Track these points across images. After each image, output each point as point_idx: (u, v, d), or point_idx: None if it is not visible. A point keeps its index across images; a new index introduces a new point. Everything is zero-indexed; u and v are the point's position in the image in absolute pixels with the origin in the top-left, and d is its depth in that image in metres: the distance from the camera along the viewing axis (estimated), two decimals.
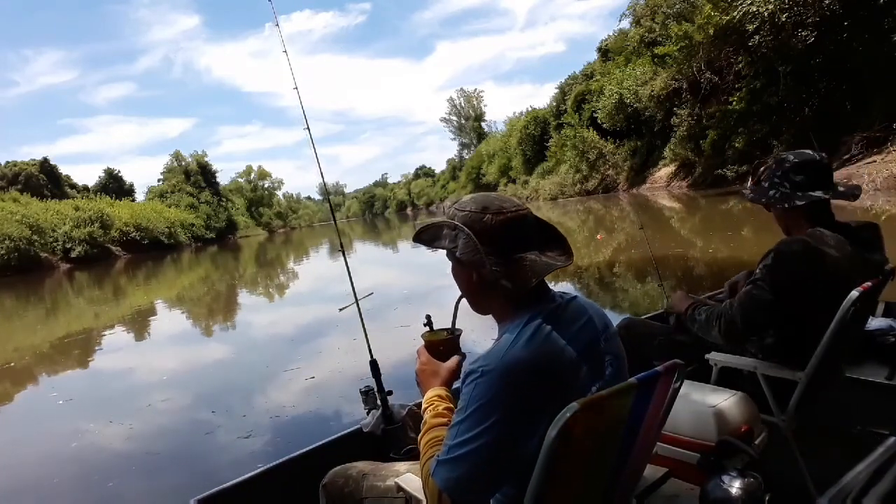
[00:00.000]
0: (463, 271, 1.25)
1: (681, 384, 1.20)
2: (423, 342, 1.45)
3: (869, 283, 1.72)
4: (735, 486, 1.34)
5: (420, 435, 1.26)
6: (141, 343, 8.84)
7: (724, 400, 1.69)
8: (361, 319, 1.80)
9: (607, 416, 1.08)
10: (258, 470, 1.89)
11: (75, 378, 6.90)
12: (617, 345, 1.24)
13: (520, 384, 1.06)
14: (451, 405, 1.28)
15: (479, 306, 1.28)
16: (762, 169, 2.04)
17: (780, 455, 1.79)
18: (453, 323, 1.50)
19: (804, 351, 1.81)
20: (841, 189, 1.92)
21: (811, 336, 1.79)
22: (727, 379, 1.96)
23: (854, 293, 1.66)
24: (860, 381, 2.26)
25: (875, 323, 2.53)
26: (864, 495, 0.67)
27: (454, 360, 1.39)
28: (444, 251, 1.25)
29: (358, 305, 1.79)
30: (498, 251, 1.16)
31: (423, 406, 1.31)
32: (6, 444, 4.68)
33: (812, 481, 1.70)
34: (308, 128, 2.13)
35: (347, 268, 1.90)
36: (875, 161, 14.40)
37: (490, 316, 1.28)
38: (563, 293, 1.26)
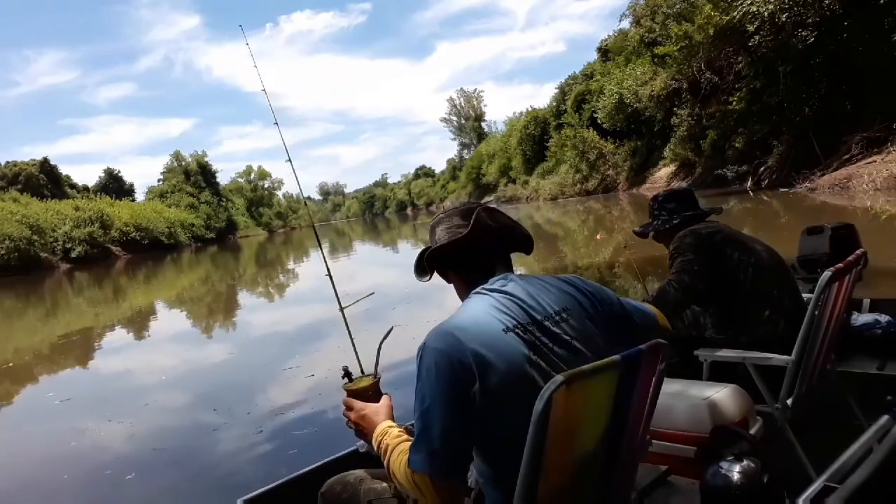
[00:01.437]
0: None
1: (665, 366, 1.23)
2: (345, 394, 1.47)
3: (840, 264, 1.82)
4: (734, 472, 1.34)
5: (386, 459, 1.29)
6: (141, 343, 8.84)
7: (717, 392, 1.71)
8: (349, 333, 1.79)
9: (593, 392, 1.12)
10: (257, 492, 1.93)
11: (74, 378, 6.90)
12: (580, 325, 1.28)
13: (446, 347, 1.17)
14: (403, 430, 1.35)
15: (458, 293, 1.45)
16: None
17: (775, 444, 1.81)
18: (376, 366, 1.52)
19: (745, 320, 2.11)
20: (705, 209, 2.43)
21: (745, 302, 2.12)
22: (718, 375, 1.98)
23: (827, 273, 1.76)
24: (851, 374, 2.32)
25: (862, 318, 2.64)
26: (860, 468, 0.69)
27: (387, 397, 1.46)
28: None
29: (344, 317, 1.78)
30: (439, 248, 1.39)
31: (378, 439, 1.34)
32: (7, 443, 4.68)
33: (808, 463, 1.76)
34: (287, 149, 2.11)
35: (331, 278, 1.90)
36: (875, 161, 14.39)
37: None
38: (523, 274, 1.36)
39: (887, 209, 10.64)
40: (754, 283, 2.12)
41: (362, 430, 1.41)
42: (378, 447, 1.33)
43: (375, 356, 1.52)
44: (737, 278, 2.13)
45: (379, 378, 1.50)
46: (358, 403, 1.44)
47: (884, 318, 2.61)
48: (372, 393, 1.46)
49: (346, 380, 1.51)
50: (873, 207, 11.11)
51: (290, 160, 2.06)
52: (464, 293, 1.36)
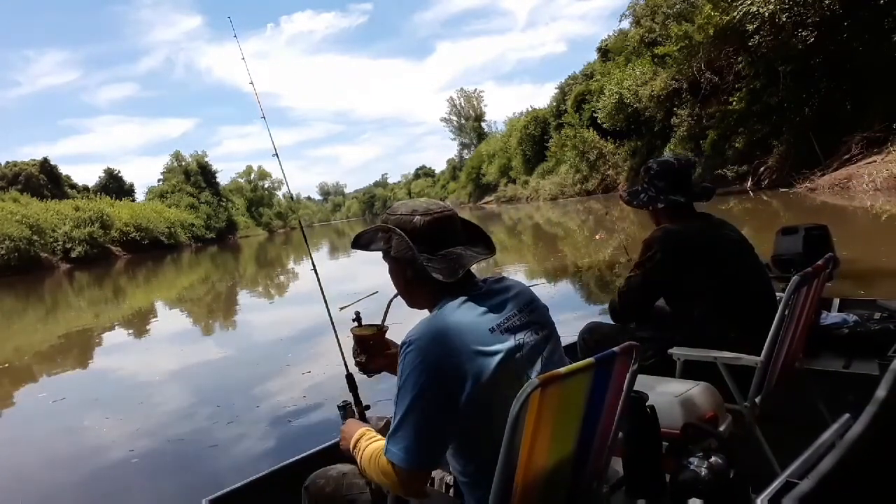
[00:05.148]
0: (398, 269, 1.39)
1: (637, 367, 1.30)
2: (353, 337, 1.60)
3: (809, 269, 1.88)
4: (702, 467, 1.41)
5: (359, 456, 1.35)
6: (140, 342, 8.83)
7: (689, 389, 1.78)
8: (336, 334, 1.82)
9: (567, 393, 1.16)
10: (237, 485, 1.98)
11: (74, 377, 6.88)
12: (543, 314, 1.37)
13: (439, 346, 1.19)
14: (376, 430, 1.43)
15: (414, 301, 1.42)
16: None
17: (744, 440, 1.89)
18: (384, 319, 1.63)
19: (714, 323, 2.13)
20: (696, 191, 2.34)
21: (718, 308, 2.14)
22: (691, 373, 2.04)
23: (795, 278, 1.82)
24: (819, 372, 2.40)
25: (831, 317, 2.74)
26: (819, 465, 0.72)
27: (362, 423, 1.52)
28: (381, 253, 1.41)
29: (332, 319, 1.83)
30: (428, 248, 1.32)
31: (354, 440, 1.40)
32: (10, 442, 4.67)
33: (775, 460, 1.83)
34: (277, 154, 2.12)
35: (319, 283, 1.91)
36: (875, 161, 14.39)
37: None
38: (489, 277, 1.39)
39: (887, 209, 10.64)
40: (726, 286, 2.16)
41: (346, 443, 1.46)
42: (353, 448, 1.39)
43: (384, 310, 1.62)
44: (707, 282, 2.17)
45: (385, 330, 1.60)
46: (346, 426, 1.50)
47: (851, 318, 2.71)
48: (374, 343, 1.57)
49: (355, 323, 1.62)
50: (873, 207, 11.11)
51: (276, 154, 2.07)
52: (437, 299, 1.32)
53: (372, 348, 1.55)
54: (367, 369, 1.61)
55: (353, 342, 1.62)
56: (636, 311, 2.33)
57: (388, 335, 1.66)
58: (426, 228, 1.33)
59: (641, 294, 2.27)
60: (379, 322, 1.63)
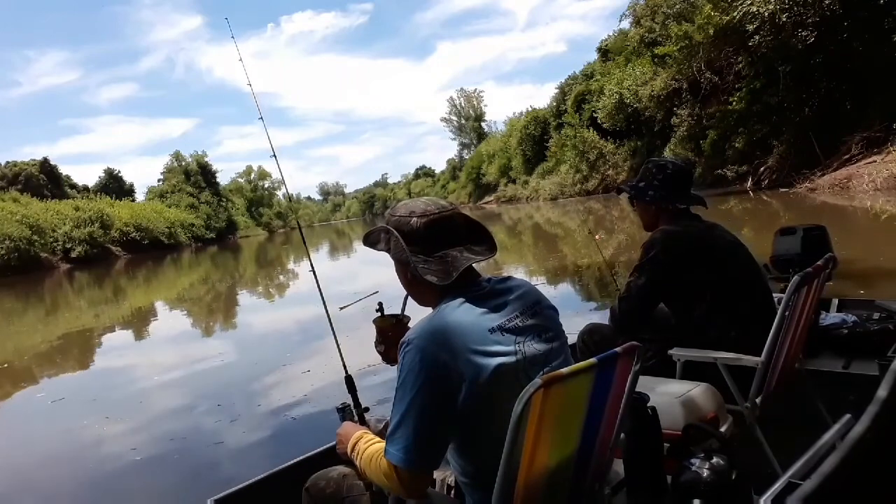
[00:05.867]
0: (399, 269, 1.41)
1: (640, 367, 1.29)
2: (375, 327, 1.64)
3: (810, 269, 1.88)
4: (704, 468, 1.40)
5: (358, 458, 1.36)
6: (140, 343, 8.83)
7: (690, 390, 1.78)
8: (334, 335, 1.82)
9: (570, 393, 1.16)
10: (240, 485, 2.01)
11: (73, 377, 6.89)
12: (549, 317, 1.35)
13: (437, 345, 1.19)
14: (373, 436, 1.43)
15: (419, 299, 1.43)
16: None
17: (745, 441, 1.89)
18: (402, 310, 1.66)
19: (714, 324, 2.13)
20: (694, 195, 2.37)
21: (718, 309, 2.13)
22: (691, 374, 2.05)
23: (796, 278, 1.81)
24: (818, 373, 2.40)
25: (830, 318, 2.75)
26: (822, 465, 0.72)
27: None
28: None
29: (330, 319, 1.83)
30: (424, 249, 1.31)
31: (353, 443, 1.41)
32: (9, 442, 4.67)
33: (776, 461, 1.84)
34: (275, 155, 2.13)
35: (318, 284, 1.92)
36: (875, 161, 14.38)
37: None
38: (494, 277, 1.38)
39: (887, 209, 10.64)
40: (725, 286, 2.16)
41: (343, 447, 1.46)
42: (351, 451, 1.40)
43: (403, 302, 1.63)
44: (707, 283, 2.17)
45: (406, 320, 1.63)
46: (341, 429, 1.52)
47: (850, 318, 2.72)
48: (393, 333, 1.59)
49: (378, 313, 1.67)
50: (873, 207, 11.10)
51: (274, 155, 2.09)
52: (439, 298, 1.32)
53: (392, 338, 1.57)
54: (387, 358, 1.64)
55: (375, 331, 1.66)
56: (638, 316, 2.29)
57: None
58: (422, 230, 1.32)
59: (643, 297, 2.25)
60: (399, 313, 1.67)
